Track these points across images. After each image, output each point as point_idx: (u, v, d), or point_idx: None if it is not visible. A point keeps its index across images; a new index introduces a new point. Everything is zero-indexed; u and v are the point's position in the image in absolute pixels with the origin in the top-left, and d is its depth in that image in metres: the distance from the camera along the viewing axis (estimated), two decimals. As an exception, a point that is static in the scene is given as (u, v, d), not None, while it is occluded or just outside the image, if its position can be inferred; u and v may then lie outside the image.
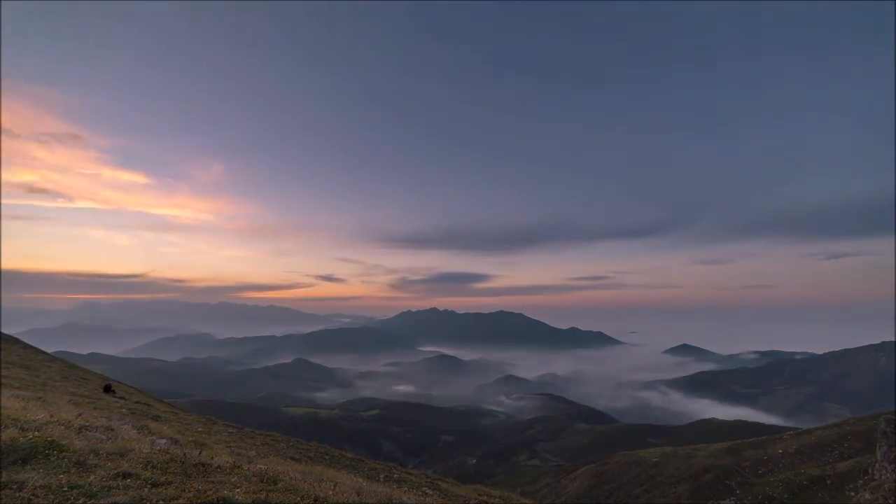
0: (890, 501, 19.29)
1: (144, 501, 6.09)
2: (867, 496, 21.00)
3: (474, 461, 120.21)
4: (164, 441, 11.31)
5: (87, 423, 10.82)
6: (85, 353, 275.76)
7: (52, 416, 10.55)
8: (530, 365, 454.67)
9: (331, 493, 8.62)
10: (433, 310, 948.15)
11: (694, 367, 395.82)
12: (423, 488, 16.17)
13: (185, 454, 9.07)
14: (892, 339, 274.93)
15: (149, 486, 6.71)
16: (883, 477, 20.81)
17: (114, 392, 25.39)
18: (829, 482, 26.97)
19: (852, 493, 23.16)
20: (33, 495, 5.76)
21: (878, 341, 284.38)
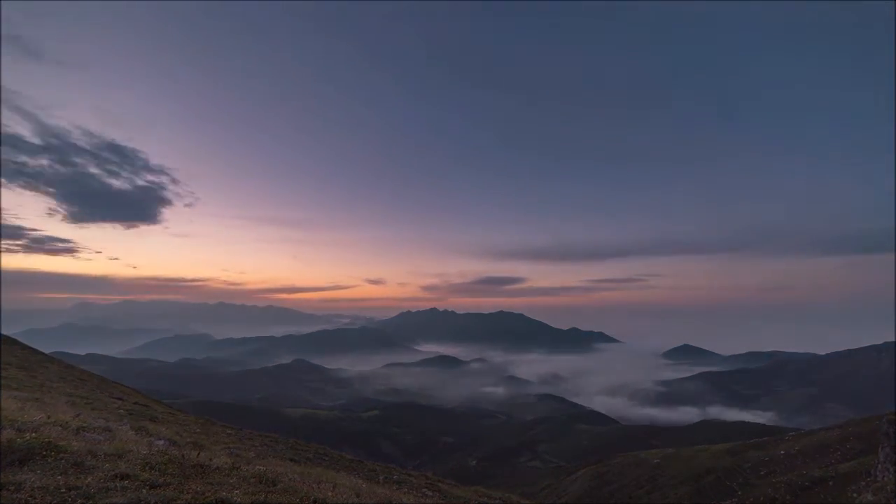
0: (892, 503, 19.20)
1: (142, 503, 6.04)
2: (869, 497, 20.91)
3: (474, 462, 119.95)
4: (162, 442, 11.26)
5: (84, 424, 10.76)
6: (83, 353, 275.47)
7: (49, 417, 10.48)
8: (531, 365, 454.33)
9: (330, 494, 8.57)
10: (433, 310, 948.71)
11: (695, 368, 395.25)
12: (423, 490, 16.09)
13: (183, 455, 9.00)
14: (894, 339, 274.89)
15: (147, 487, 6.66)
16: (885, 478, 20.73)
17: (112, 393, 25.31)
18: (831, 483, 26.88)
19: (854, 495, 23.07)
20: (31, 496, 5.70)
21: (880, 342, 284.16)
